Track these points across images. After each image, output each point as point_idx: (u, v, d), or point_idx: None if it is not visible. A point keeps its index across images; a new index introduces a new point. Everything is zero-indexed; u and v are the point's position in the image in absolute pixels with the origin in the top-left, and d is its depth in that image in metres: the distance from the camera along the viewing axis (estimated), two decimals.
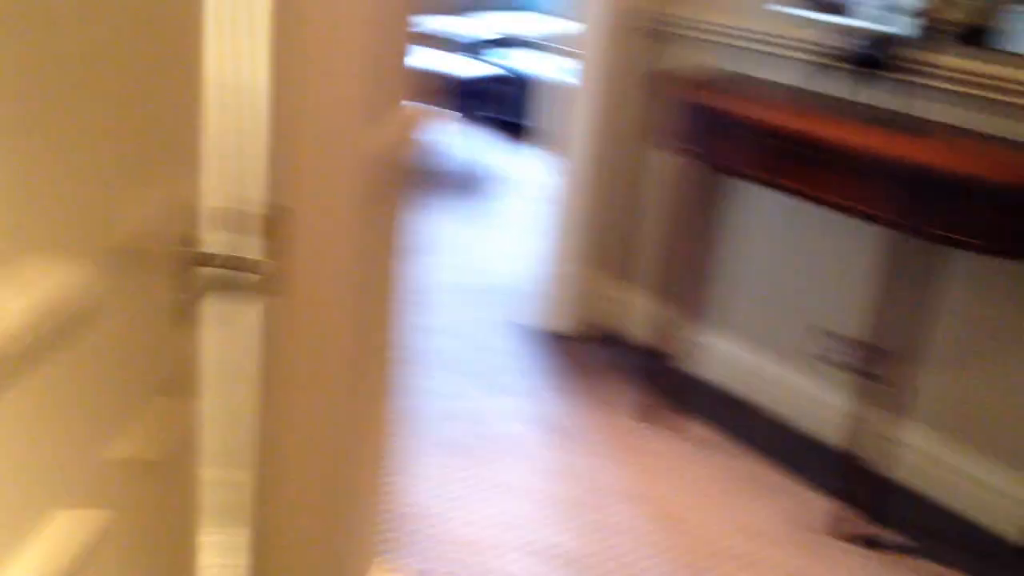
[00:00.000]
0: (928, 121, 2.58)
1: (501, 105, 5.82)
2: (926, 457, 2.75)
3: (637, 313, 3.61)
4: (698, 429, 3.08)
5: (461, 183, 5.48)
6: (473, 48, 6.03)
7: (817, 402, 3.02)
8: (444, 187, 5.37)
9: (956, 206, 2.24)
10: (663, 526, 2.61)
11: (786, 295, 3.09)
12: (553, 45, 3.50)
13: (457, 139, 6.12)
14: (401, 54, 1.63)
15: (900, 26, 2.51)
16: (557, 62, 3.61)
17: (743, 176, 2.77)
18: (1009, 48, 2.44)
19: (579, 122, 3.48)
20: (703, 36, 3.22)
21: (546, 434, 3.01)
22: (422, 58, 1.83)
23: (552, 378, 3.36)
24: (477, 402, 3.18)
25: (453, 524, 2.57)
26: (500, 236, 4.69)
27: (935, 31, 2.55)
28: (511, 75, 5.74)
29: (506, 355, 3.51)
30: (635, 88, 3.43)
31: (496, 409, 3.14)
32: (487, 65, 5.83)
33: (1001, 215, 2.20)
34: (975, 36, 2.51)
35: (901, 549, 2.56)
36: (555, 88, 3.56)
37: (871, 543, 2.57)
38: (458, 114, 5.82)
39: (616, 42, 3.35)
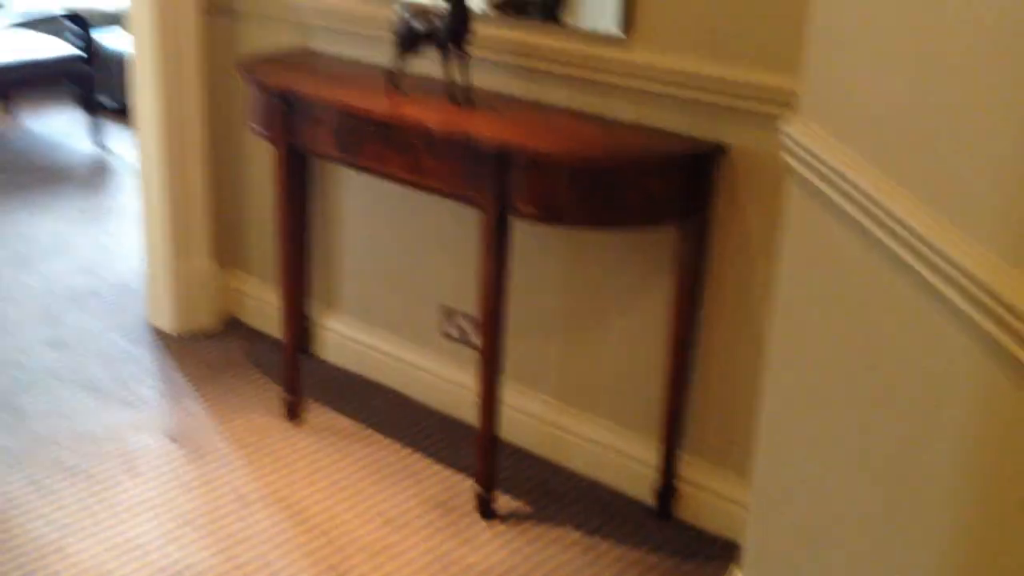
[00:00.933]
0: (493, 95, 2.67)
1: (101, 88, 5.39)
2: (554, 426, 2.85)
3: (265, 305, 3.48)
4: (339, 421, 3.02)
5: (70, 176, 5.03)
6: (42, 26, 5.49)
7: (450, 381, 3.05)
8: (52, 182, 4.91)
9: (512, 177, 2.32)
10: (306, 528, 2.54)
11: (406, 275, 3.08)
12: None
13: (57, 127, 5.63)
14: None
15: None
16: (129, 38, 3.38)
17: (324, 158, 2.78)
18: (563, 20, 2.56)
19: (147, 104, 3.29)
20: (283, 16, 3.14)
21: (178, 445, 2.84)
22: None
23: (181, 383, 3.17)
24: (100, 417, 2.95)
25: (70, 553, 2.37)
26: (117, 231, 4.36)
27: (492, 5, 2.66)
28: (100, 53, 5.31)
29: (130, 363, 3.27)
30: (219, 70, 3.29)
31: (122, 423, 2.93)
32: (62, 44, 5.33)
33: (559, 186, 2.29)
34: (528, 8, 2.63)
35: (538, 518, 2.64)
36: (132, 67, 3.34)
37: (507, 517, 2.63)
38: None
39: (171, 20, 3.17)
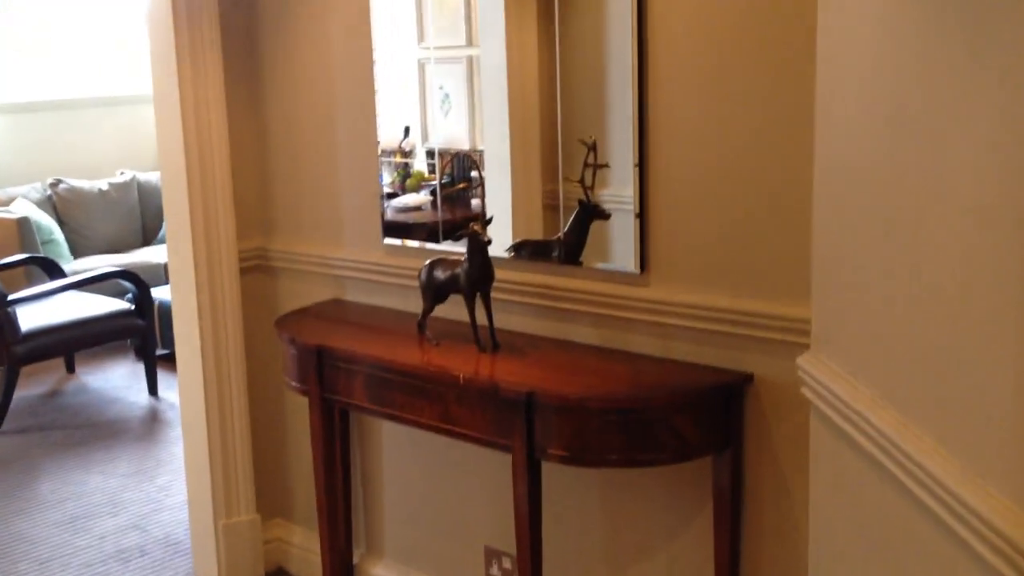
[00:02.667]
0: (518, 335, 2.71)
1: (160, 338, 5.57)
2: None
3: (310, 554, 3.45)
4: None
5: (126, 429, 5.13)
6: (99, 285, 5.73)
7: None
8: (108, 437, 5.01)
9: (540, 422, 2.32)
10: None
11: (448, 517, 3.05)
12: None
13: (115, 381, 5.79)
14: None
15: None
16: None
17: (357, 409, 2.83)
18: (581, 262, 2.64)
19: (187, 361, 3.37)
20: (316, 269, 3.26)
21: None
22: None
23: None
24: None
25: None
26: (168, 484, 4.39)
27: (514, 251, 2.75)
28: (155, 305, 5.52)
29: None
30: (258, 323, 3.39)
31: None
32: (117, 301, 5.56)
33: (587, 429, 2.28)
34: (547, 252, 2.72)
35: None
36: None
37: None
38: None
39: (211, 277, 3.28)
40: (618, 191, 2.54)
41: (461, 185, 2.98)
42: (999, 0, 1.21)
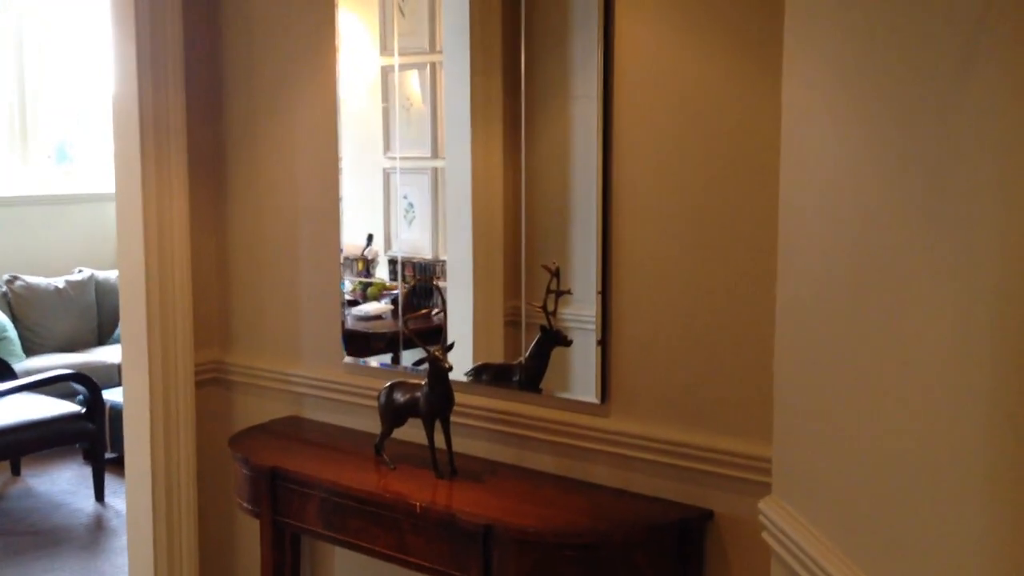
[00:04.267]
0: (478, 461, 2.68)
1: (110, 442, 5.43)
2: None
3: None
4: None
5: (70, 537, 4.97)
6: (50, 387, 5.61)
7: None
8: (51, 545, 4.84)
9: (497, 554, 2.26)
10: None
11: None
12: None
13: (62, 485, 5.63)
14: None
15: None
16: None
17: (310, 534, 2.76)
18: (542, 389, 2.63)
19: (136, 473, 3.27)
20: (274, 385, 3.21)
21: None
22: None
23: None
24: None
25: None
26: None
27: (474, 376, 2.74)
28: (107, 409, 5.40)
29: None
30: (211, 439, 3.31)
31: None
32: (67, 404, 5.44)
33: (545, 564, 2.23)
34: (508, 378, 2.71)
35: None
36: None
37: None
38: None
39: (165, 387, 3.21)
40: (580, 311, 2.54)
41: (423, 311, 2.97)
42: (955, 156, 1.24)
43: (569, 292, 2.57)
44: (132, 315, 3.21)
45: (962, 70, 1.25)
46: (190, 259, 3.22)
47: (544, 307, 2.58)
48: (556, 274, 2.56)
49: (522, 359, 2.66)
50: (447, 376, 2.53)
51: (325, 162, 3.04)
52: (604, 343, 2.48)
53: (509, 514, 2.32)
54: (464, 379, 2.73)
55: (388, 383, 2.68)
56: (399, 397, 2.62)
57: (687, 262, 2.33)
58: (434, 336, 2.82)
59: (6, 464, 5.73)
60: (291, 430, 3.05)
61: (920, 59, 1.35)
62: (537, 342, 2.61)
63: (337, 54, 2.97)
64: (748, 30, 2.19)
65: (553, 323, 2.58)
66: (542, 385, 2.62)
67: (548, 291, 2.58)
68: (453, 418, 2.59)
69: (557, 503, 2.41)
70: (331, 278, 3.09)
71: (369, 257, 3.14)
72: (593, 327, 2.50)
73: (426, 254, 3.01)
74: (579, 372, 2.57)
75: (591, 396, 2.49)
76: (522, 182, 2.66)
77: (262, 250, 3.25)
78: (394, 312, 3.04)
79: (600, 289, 2.48)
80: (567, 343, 2.58)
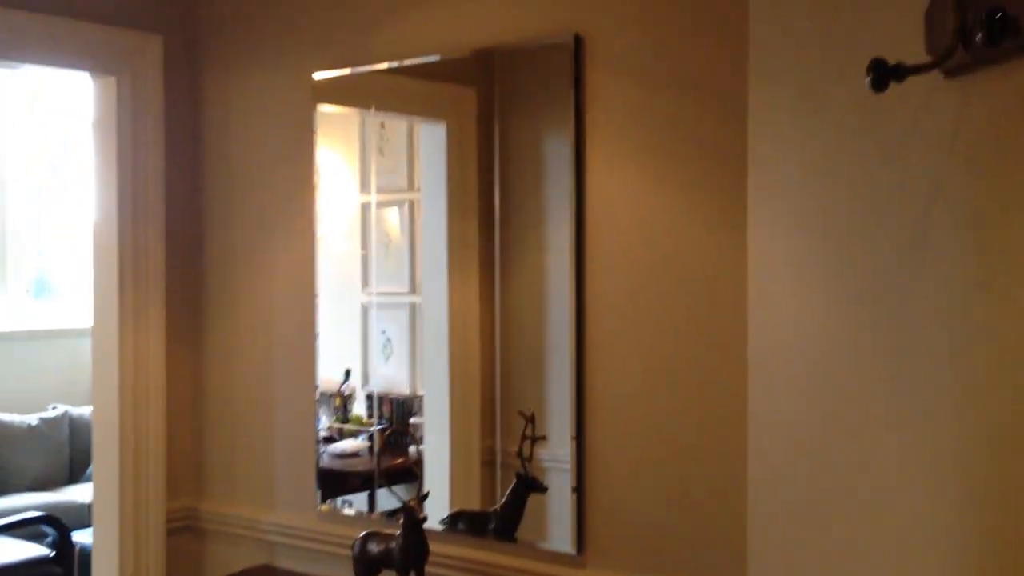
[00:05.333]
0: None
1: None
2: None
3: None
4: None
5: None
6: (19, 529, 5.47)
7: None
8: None
9: None
10: None
11: None
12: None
13: None
14: None
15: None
16: None
17: None
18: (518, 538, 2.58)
19: None
20: (246, 533, 3.14)
21: None
22: None
23: None
24: None
25: None
26: None
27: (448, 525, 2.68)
28: (76, 552, 5.24)
29: None
30: None
31: None
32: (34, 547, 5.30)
33: None
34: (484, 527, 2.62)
35: None
36: None
37: None
38: None
39: (135, 538, 3.14)
40: (557, 452, 2.51)
41: (400, 460, 2.93)
42: (911, 321, 1.25)
43: (544, 438, 2.54)
44: (105, 461, 3.16)
45: (918, 238, 1.27)
46: (165, 401, 3.19)
47: (520, 453, 2.55)
48: (531, 420, 2.54)
49: (497, 506, 2.62)
50: (422, 527, 2.48)
51: (302, 300, 3.04)
52: (579, 490, 2.44)
53: None
54: (439, 527, 2.67)
55: (362, 533, 2.62)
56: (373, 548, 2.56)
57: (660, 408, 2.32)
58: (411, 476, 2.78)
59: None
60: None
61: (878, 226, 1.38)
62: (512, 489, 2.57)
63: (316, 193, 3.00)
64: (715, 185, 2.24)
65: (529, 469, 2.54)
66: (518, 534, 2.56)
67: (523, 437, 2.55)
68: (428, 568, 2.53)
69: None
70: (306, 420, 3.05)
71: (346, 393, 3.12)
72: (568, 466, 2.47)
73: (404, 390, 2.99)
74: (555, 519, 2.52)
75: (567, 546, 2.44)
76: (497, 324, 2.66)
77: (237, 391, 3.22)
78: (371, 450, 3.01)
79: (574, 434, 2.45)
80: (543, 490, 2.54)
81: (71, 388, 6.85)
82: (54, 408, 6.77)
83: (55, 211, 7.24)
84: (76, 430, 6.63)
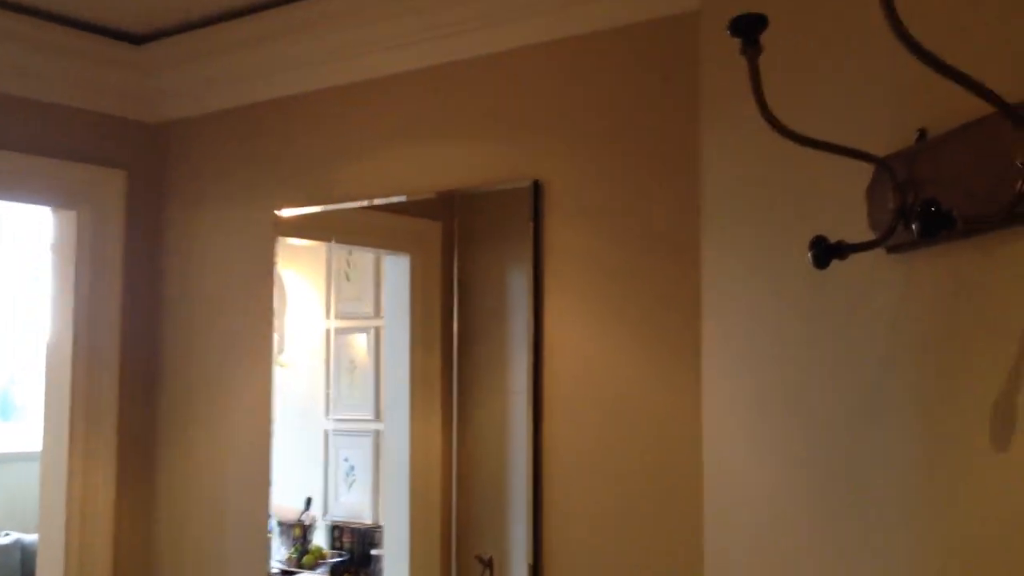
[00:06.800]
0: None
1: None
2: None
3: None
4: None
5: None
6: None
7: None
8: None
9: None
10: None
11: None
12: None
13: None
14: None
15: None
16: None
17: None
18: None
19: None
20: None
21: None
22: None
23: None
24: None
25: None
26: None
27: None
28: None
29: None
30: None
31: None
32: None
33: None
34: None
35: None
36: None
37: None
38: None
39: None
40: None
41: None
42: (864, 492, 1.25)
43: None
44: None
45: (867, 404, 1.28)
46: (113, 531, 3.11)
47: None
48: (490, 565, 2.50)
49: None
50: None
51: (258, 431, 2.99)
52: None
53: None
54: None
55: None
56: None
57: (618, 556, 2.29)
58: None
59: None
60: None
61: (831, 388, 1.39)
62: None
63: (276, 322, 2.99)
64: (669, 331, 2.26)
65: None
66: None
67: None
68: None
69: None
70: (259, 556, 2.97)
71: (307, 522, 3.06)
72: None
73: (366, 519, 2.94)
74: None
75: None
76: (454, 462, 2.63)
77: (192, 524, 3.14)
78: None
79: None
80: None
81: (25, 515, 6.69)
82: (6, 535, 6.58)
83: (21, 332, 7.17)
84: (28, 557, 6.44)
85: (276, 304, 3.00)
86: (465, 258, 2.66)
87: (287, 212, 2.95)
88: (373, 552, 2.90)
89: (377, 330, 2.98)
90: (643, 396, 2.28)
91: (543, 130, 2.48)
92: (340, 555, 2.95)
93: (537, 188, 2.46)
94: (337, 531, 2.98)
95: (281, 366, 3.01)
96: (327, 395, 3.03)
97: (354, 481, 3.01)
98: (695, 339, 2.01)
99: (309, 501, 3.05)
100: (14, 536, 6.58)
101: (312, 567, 3.02)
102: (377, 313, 2.98)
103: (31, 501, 6.57)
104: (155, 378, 3.24)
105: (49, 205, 3.10)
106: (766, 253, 1.58)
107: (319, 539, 3.05)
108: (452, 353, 2.63)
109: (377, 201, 2.78)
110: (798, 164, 1.41)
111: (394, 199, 2.75)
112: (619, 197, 2.34)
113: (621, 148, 2.35)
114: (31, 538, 6.50)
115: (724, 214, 1.78)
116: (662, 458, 2.24)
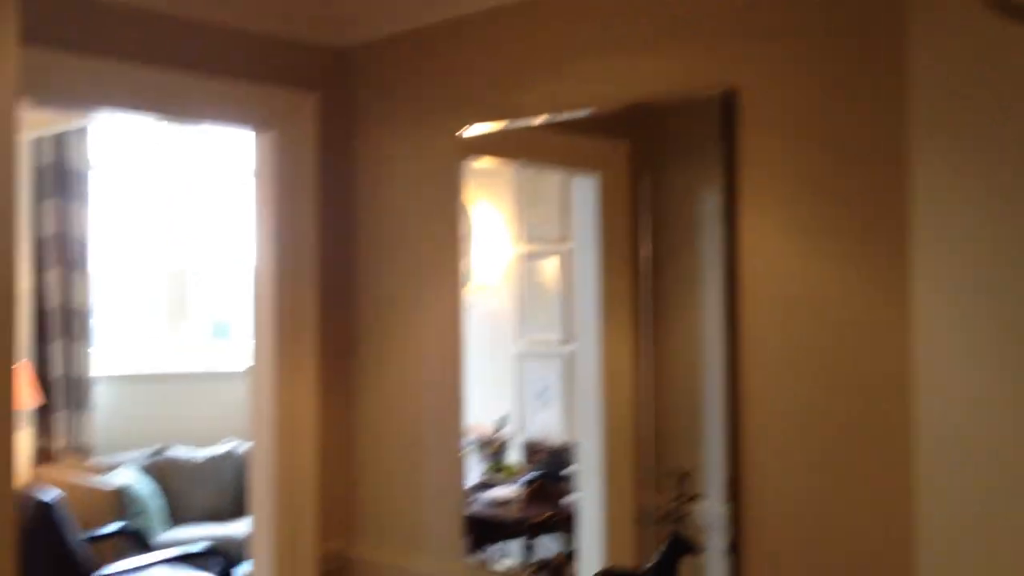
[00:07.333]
0: None
1: None
2: None
3: None
4: None
5: None
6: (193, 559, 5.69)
7: None
8: None
9: None
10: None
11: None
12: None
13: None
14: None
15: None
16: None
17: None
18: None
19: None
20: None
21: None
22: None
23: None
24: None
25: None
26: None
27: None
28: None
29: None
30: None
31: None
32: None
33: None
34: None
35: None
36: None
37: None
38: None
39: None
40: (711, 512, 2.44)
41: (552, 512, 2.90)
42: None
43: (700, 496, 2.47)
44: (261, 499, 3.25)
45: None
46: (318, 444, 3.26)
47: (673, 512, 2.49)
48: (686, 477, 2.48)
49: (648, 566, 2.55)
50: None
51: (450, 350, 3.06)
52: (735, 552, 2.36)
53: None
54: None
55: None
56: None
57: (818, 474, 2.23)
58: (562, 528, 2.75)
59: None
60: None
61: None
62: (665, 548, 2.51)
63: (464, 245, 3.03)
64: (872, 245, 2.15)
65: (683, 529, 2.47)
66: None
67: (678, 495, 2.49)
68: None
69: None
70: (454, 468, 3.06)
71: (500, 440, 3.12)
72: (725, 529, 2.39)
73: (558, 439, 2.97)
74: None
75: None
76: (649, 378, 2.61)
77: (387, 437, 3.26)
78: (523, 498, 2.99)
79: (730, 496, 2.38)
80: (697, 551, 2.46)
81: (244, 424, 7.12)
82: (226, 443, 7.08)
83: (235, 255, 7.60)
84: (243, 465, 6.89)
85: (463, 229, 3.04)
86: (654, 175, 2.61)
87: (472, 131, 2.97)
88: (566, 471, 2.93)
89: (565, 254, 2.97)
90: (844, 314, 2.19)
91: (735, 34, 2.38)
92: (533, 472, 3.00)
93: (730, 97, 2.37)
94: (530, 449, 3.02)
95: (472, 291, 3.05)
96: (517, 319, 3.06)
97: (547, 402, 3.04)
98: (903, 258, 1.90)
99: (503, 420, 3.10)
100: (232, 443, 7.06)
101: (506, 483, 3.08)
102: (566, 237, 2.97)
103: (245, 413, 7.00)
104: (351, 296, 3.36)
105: (250, 128, 3.23)
106: (994, 166, 1.46)
107: (512, 457, 3.11)
108: (642, 274, 2.60)
109: (563, 116, 2.76)
110: None
111: (580, 113, 2.72)
112: (818, 104, 2.23)
113: (819, 50, 2.23)
114: (246, 446, 6.93)
115: (939, 119, 1.66)
116: (867, 377, 2.15)
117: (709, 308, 2.44)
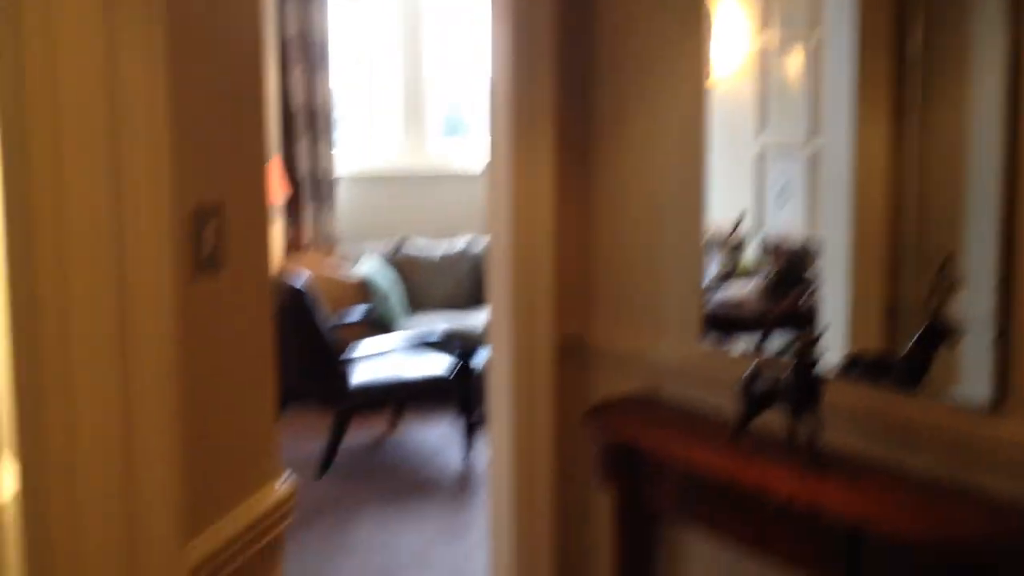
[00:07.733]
0: (845, 455, 2.50)
1: (467, 405, 5.69)
2: None
3: None
4: None
5: (439, 488, 5.31)
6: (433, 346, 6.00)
7: None
8: (422, 494, 5.20)
9: (867, 560, 2.10)
10: None
11: None
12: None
13: (434, 440, 6.02)
14: None
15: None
16: None
17: (663, 514, 2.70)
18: (922, 387, 2.41)
19: (499, 451, 3.38)
20: (631, 363, 3.19)
21: None
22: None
23: None
24: None
25: None
26: (472, 552, 4.48)
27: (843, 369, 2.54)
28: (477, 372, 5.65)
29: None
30: (570, 416, 3.34)
31: None
32: (441, 363, 5.75)
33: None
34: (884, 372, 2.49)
35: None
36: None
37: None
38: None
39: (535, 358, 3.29)
40: (973, 302, 2.32)
41: (791, 297, 2.84)
42: None
43: (959, 284, 2.35)
44: (499, 289, 3.34)
45: None
46: (555, 235, 3.29)
47: (931, 300, 2.38)
48: (948, 263, 2.35)
49: (901, 353, 2.47)
50: (813, 368, 2.40)
51: (692, 142, 2.98)
52: (1004, 344, 2.23)
53: (884, 517, 2.14)
54: (833, 370, 2.58)
55: (751, 368, 2.59)
56: (761, 385, 2.53)
57: None
58: (802, 321, 2.70)
59: (386, 414, 6.23)
60: (646, 407, 3.03)
61: None
62: (920, 337, 2.41)
63: (707, 35, 2.90)
64: None
65: (940, 317, 2.37)
66: (923, 385, 2.41)
67: (936, 282, 2.38)
68: (820, 414, 2.46)
69: (938, 511, 2.20)
70: (694, 259, 3.03)
71: (737, 238, 3.06)
72: (989, 322, 2.27)
73: (797, 237, 2.88)
74: (969, 372, 2.34)
75: (983, 400, 2.26)
76: (911, 164, 2.47)
77: (624, 229, 3.25)
78: (761, 294, 2.95)
79: (1002, 278, 2.23)
80: (956, 340, 2.36)
81: (481, 219, 7.35)
82: (462, 237, 7.35)
83: (468, 56, 7.66)
84: (481, 258, 7.15)
85: (702, 17, 2.90)
86: None
87: None
88: (805, 268, 2.85)
89: (813, 42, 2.79)
90: None
91: None
92: (773, 268, 2.94)
93: None
94: (768, 247, 2.94)
95: (711, 86, 2.94)
96: (759, 114, 2.93)
97: (787, 201, 2.93)
98: None
99: (740, 218, 3.02)
100: (468, 237, 7.32)
101: (744, 276, 3.04)
102: (815, 24, 2.78)
103: (479, 211, 7.25)
104: (589, 86, 3.31)
105: None
106: None
107: (750, 255, 3.05)
108: (907, 52, 2.41)
109: None
110: None
111: None
112: None
113: None
114: (481, 241, 7.16)
115: None
116: None
117: (983, 87, 2.25)
